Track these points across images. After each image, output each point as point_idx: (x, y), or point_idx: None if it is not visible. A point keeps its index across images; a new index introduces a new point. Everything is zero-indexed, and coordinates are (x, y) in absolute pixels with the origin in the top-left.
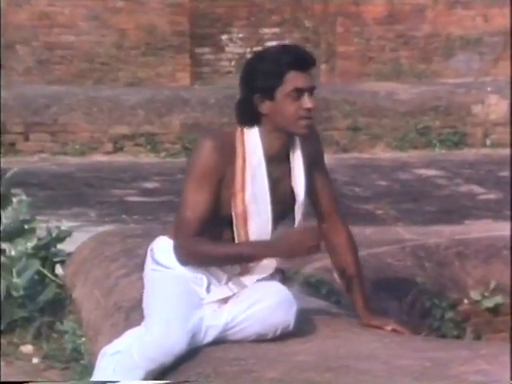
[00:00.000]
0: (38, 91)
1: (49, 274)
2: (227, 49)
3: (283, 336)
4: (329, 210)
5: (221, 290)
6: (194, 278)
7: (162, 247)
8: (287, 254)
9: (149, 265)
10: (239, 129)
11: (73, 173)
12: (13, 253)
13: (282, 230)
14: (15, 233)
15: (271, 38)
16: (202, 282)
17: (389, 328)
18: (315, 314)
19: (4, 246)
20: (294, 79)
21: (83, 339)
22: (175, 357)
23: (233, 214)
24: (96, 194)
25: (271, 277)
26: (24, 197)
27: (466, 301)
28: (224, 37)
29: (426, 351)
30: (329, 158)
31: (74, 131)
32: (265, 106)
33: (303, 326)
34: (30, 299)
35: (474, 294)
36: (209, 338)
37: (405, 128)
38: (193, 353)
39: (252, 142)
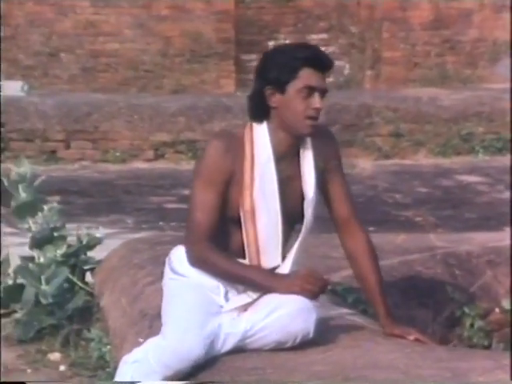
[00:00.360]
0: (79, 99)
1: (78, 282)
2: None
3: (302, 345)
4: (346, 215)
5: (239, 298)
6: (212, 287)
7: (179, 256)
8: (288, 291)
9: (167, 274)
10: (248, 125)
11: (113, 180)
12: (42, 260)
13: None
14: (45, 240)
15: (318, 43)
16: (219, 290)
17: (411, 337)
18: (338, 322)
19: (33, 253)
20: (307, 76)
21: (108, 347)
22: (192, 364)
23: (241, 212)
24: (134, 200)
25: None
26: (55, 204)
27: (497, 310)
28: (271, 43)
29: (448, 361)
30: (370, 165)
31: (115, 138)
32: (275, 99)
33: (324, 334)
34: (58, 307)
35: (506, 303)
36: (227, 346)
37: (447, 134)
38: (211, 361)
39: (261, 138)
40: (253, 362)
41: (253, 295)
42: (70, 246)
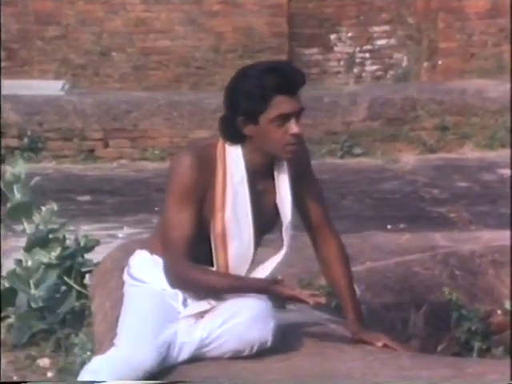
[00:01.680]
0: (119, 97)
1: (74, 285)
2: (336, 48)
3: (263, 353)
4: (318, 221)
5: (198, 304)
6: (171, 293)
7: (139, 262)
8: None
9: (126, 280)
10: (221, 142)
11: (148, 179)
12: (29, 263)
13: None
14: (37, 243)
15: (381, 36)
16: (178, 296)
17: (380, 344)
18: (308, 329)
19: (21, 256)
20: (279, 104)
21: (88, 353)
22: (145, 374)
23: (211, 233)
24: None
25: None
26: (54, 205)
27: (499, 312)
28: (333, 36)
29: (409, 369)
30: (413, 159)
31: (154, 136)
32: (248, 129)
33: (288, 341)
34: (49, 311)
35: (508, 304)
36: (184, 355)
37: (494, 126)
38: (166, 370)
39: (234, 158)
40: (208, 370)
41: (212, 302)
42: (66, 248)
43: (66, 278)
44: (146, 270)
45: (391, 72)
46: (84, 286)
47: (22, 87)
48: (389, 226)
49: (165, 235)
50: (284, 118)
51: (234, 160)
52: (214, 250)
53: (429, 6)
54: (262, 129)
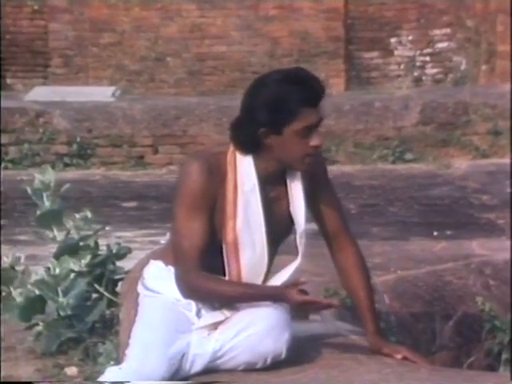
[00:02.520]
0: (168, 103)
1: (105, 293)
2: (396, 52)
3: (278, 364)
4: (336, 230)
5: (212, 315)
6: (185, 303)
7: (152, 272)
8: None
9: (141, 291)
10: (231, 149)
11: None
12: (57, 271)
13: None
14: (67, 250)
15: (441, 38)
16: (191, 306)
17: (399, 356)
18: (327, 340)
19: (49, 264)
20: (305, 117)
21: (112, 362)
22: None
23: (223, 243)
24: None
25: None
26: (88, 213)
27: None
28: (393, 40)
29: (428, 382)
30: (465, 165)
31: (204, 142)
32: (270, 140)
33: (305, 352)
34: (78, 319)
35: None
36: (196, 367)
37: None
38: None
39: (245, 167)
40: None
41: (227, 313)
42: (96, 255)
43: (96, 286)
44: (160, 281)
45: (451, 75)
46: (115, 294)
47: (73, 94)
48: (435, 233)
49: (175, 245)
50: (308, 130)
51: (244, 169)
52: (226, 260)
53: (488, 9)
54: (284, 140)
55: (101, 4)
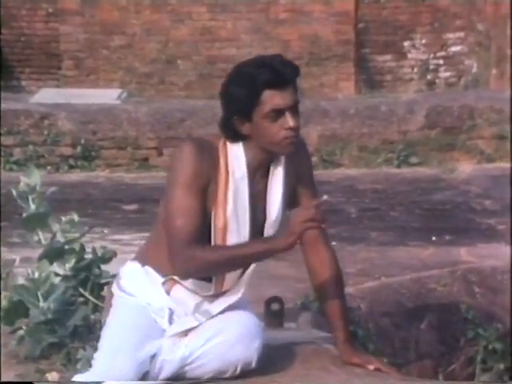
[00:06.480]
0: (173, 105)
1: (90, 297)
2: (409, 55)
3: (247, 373)
4: (311, 234)
5: (184, 321)
6: (157, 308)
7: (128, 273)
8: (289, 242)
9: (115, 291)
10: (222, 140)
11: None
12: (36, 275)
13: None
14: (51, 254)
15: (455, 42)
16: (164, 312)
17: (371, 367)
18: (300, 348)
19: (29, 269)
20: (270, 99)
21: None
22: None
23: (212, 226)
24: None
25: (244, 304)
26: (75, 216)
27: None
28: (406, 43)
29: None
30: (470, 169)
31: None
32: (245, 128)
33: (275, 362)
34: (60, 324)
35: None
36: (165, 373)
37: None
38: None
39: (236, 155)
40: None
41: (200, 318)
42: (81, 259)
43: (81, 290)
44: (135, 283)
45: (464, 79)
46: (100, 298)
47: (78, 96)
48: (433, 238)
49: (171, 224)
50: (277, 113)
51: (235, 157)
52: (213, 244)
53: (498, 12)
54: (256, 126)
55: (112, 7)
